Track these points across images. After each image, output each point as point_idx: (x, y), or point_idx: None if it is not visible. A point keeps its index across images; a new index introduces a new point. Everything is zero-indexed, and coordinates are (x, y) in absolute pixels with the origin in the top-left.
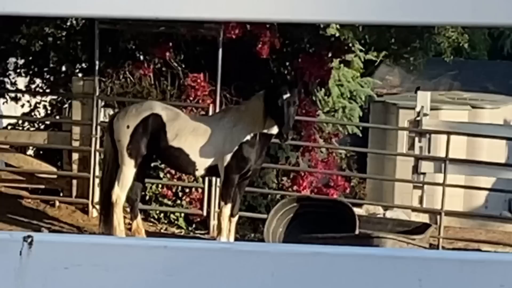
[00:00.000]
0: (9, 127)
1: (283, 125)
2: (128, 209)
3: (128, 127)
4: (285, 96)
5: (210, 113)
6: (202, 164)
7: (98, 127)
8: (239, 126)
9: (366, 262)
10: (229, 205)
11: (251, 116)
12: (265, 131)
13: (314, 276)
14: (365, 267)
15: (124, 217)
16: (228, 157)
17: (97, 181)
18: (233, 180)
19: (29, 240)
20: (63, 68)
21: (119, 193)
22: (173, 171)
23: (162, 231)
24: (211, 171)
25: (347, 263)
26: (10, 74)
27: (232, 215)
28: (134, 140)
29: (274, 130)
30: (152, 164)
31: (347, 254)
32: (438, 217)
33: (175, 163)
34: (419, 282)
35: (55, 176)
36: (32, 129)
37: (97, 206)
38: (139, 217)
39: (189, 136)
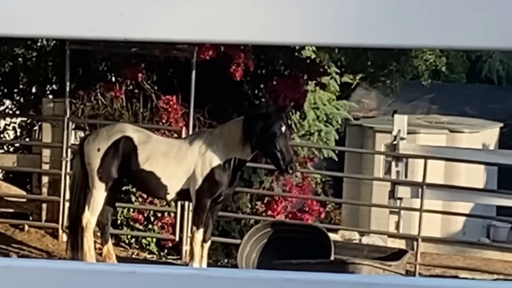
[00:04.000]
0: None
1: (284, 160)
2: (98, 234)
3: (98, 150)
4: (283, 129)
5: (183, 136)
6: (173, 188)
7: (69, 150)
8: (212, 150)
9: None
10: (201, 230)
11: (226, 140)
12: (239, 157)
13: None
14: None
15: (95, 242)
16: (199, 181)
17: (67, 204)
18: (205, 205)
19: None
20: (33, 90)
21: (90, 217)
22: (145, 195)
23: (133, 256)
24: (183, 195)
25: None
26: None
27: (204, 240)
28: (105, 163)
29: (249, 156)
30: (124, 188)
31: (318, 280)
32: (415, 243)
33: (146, 187)
34: None
35: (24, 200)
36: (1, 151)
37: (67, 230)
38: (110, 241)
39: (161, 159)
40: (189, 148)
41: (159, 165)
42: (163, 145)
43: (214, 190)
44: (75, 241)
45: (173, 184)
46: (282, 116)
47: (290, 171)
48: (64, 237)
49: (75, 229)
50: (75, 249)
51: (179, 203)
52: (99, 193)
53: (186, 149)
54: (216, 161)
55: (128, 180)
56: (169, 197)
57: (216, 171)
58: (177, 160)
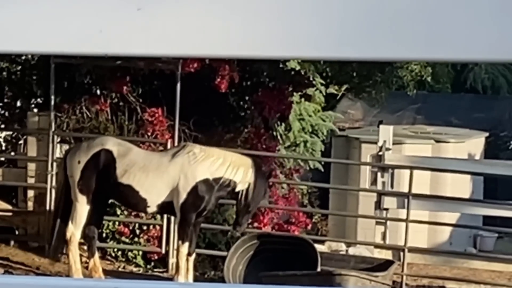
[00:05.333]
0: None
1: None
2: (85, 247)
3: (79, 162)
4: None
5: (169, 147)
6: (154, 201)
7: (54, 164)
8: (197, 165)
9: None
10: (186, 244)
11: (223, 162)
12: (234, 180)
13: None
14: None
15: (81, 255)
16: (183, 195)
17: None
18: (190, 219)
19: None
20: (18, 103)
21: (73, 231)
22: None
23: (120, 269)
24: (166, 208)
25: None
26: None
27: (189, 253)
28: (85, 176)
29: (239, 184)
30: (110, 201)
31: None
32: (402, 253)
33: (125, 200)
34: None
35: (9, 214)
36: None
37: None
38: (97, 255)
39: (138, 172)
40: (171, 161)
41: (136, 178)
42: (142, 158)
43: (198, 204)
44: (55, 251)
45: (154, 197)
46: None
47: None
48: (50, 251)
49: (54, 241)
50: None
51: (165, 216)
52: (81, 206)
53: (168, 161)
54: (201, 175)
55: (108, 193)
56: (149, 210)
57: (201, 185)
58: (157, 173)
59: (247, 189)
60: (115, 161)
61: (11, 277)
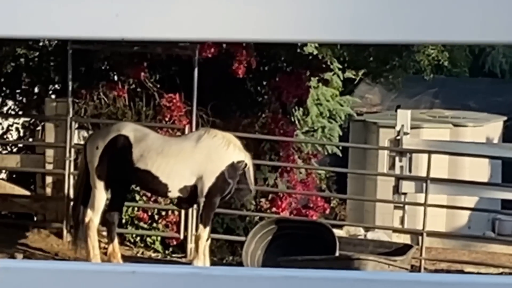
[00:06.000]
0: None
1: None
2: (104, 233)
3: (97, 148)
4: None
5: (186, 133)
6: (175, 185)
7: (72, 150)
8: (224, 150)
9: (340, 286)
10: (208, 229)
11: (238, 146)
12: (249, 164)
13: None
14: None
15: (100, 241)
16: (212, 179)
17: (71, 204)
18: (215, 203)
19: None
20: (36, 90)
21: (92, 216)
22: (149, 194)
23: (138, 255)
24: (188, 193)
25: (320, 286)
26: None
27: (204, 224)
28: (103, 161)
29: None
30: (131, 187)
31: (319, 277)
32: (420, 237)
33: (145, 186)
34: None
35: (28, 200)
36: (4, 152)
37: (71, 229)
38: (116, 241)
39: (157, 157)
40: (196, 146)
41: (155, 164)
42: (160, 143)
43: (225, 188)
44: (78, 239)
45: (175, 183)
46: None
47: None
48: (68, 237)
49: (77, 227)
50: (78, 247)
51: None
52: (99, 191)
53: (191, 147)
54: (228, 160)
55: (127, 178)
56: (171, 195)
57: (228, 169)
58: (179, 159)
59: (248, 171)
60: (131, 146)
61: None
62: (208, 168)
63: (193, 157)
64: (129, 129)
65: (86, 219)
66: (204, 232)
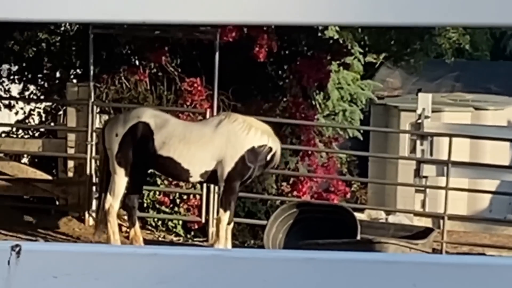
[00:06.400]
0: (3, 135)
1: None
2: (126, 217)
3: (116, 135)
4: None
5: (208, 117)
6: (197, 171)
7: (94, 134)
8: (244, 134)
9: (359, 267)
10: (228, 213)
11: (264, 131)
12: (274, 148)
13: (307, 282)
14: (359, 272)
15: (121, 225)
16: (232, 164)
17: (93, 188)
18: (235, 188)
19: (17, 249)
20: (57, 74)
21: (112, 202)
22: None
23: (160, 239)
24: (209, 177)
25: (340, 268)
26: (3, 81)
27: (228, 222)
28: (123, 149)
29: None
30: (150, 171)
31: (340, 259)
32: (441, 221)
33: (166, 171)
34: (414, 287)
35: (50, 184)
36: (26, 136)
37: (93, 214)
38: (137, 225)
39: (179, 144)
40: (215, 131)
41: (177, 150)
42: (181, 129)
43: (244, 173)
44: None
45: (196, 168)
46: None
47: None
48: (90, 221)
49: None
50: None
51: (204, 185)
52: (119, 178)
53: (211, 132)
54: (248, 144)
55: (148, 165)
56: (192, 180)
57: (248, 154)
58: (200, 144)
59: (274, 155)
60: (153, 133)
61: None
62: (227, 153)
63: (213, 142)
64: (148, 116)
65: (106, 205)
66: (225, 215)
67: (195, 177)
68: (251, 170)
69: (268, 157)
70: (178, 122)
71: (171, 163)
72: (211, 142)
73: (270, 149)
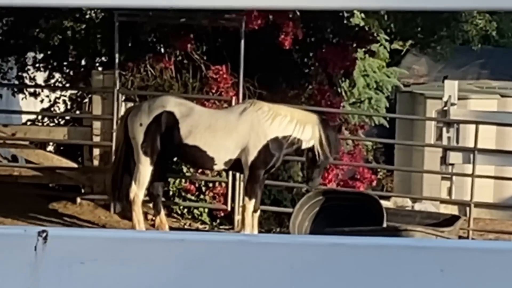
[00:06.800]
0: (29, 123)
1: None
2: (151, 205)
3: (141, 125)
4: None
5: (233, 104)
6: (221, 159)
7: (119, 122)
8: (268, 123)
9: (386, 253)
10: (253, 201)
11: (290, 120)
12: (302, 138)
13: (334, 267)
14: (386, 257)
15: (147, 213)
16: (254, 153)
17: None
18: (259, 176)
19: (44, 235)
20: (83, 62)
21: (137, 191)
22: None
23: (185, 226)
24: (233, 165)
25: (367, 254)
26: (29, 69)
27: (254, 210)
28: (148, 138)
29: (306, 145)
30: (175, 159)
31: (367, 245)
32: (468, 208)
33: (192, 160)
34: (441, 272)
35: (76, 172)
36: (52, 124)
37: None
38: (163, 212)
39: (205, 132)
40: (239, 119)
41: (203, 138)
42: (206, 117)
43: (268, 162)
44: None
45: (221, 156)
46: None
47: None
48: (116, 209)
49: (116, 199)
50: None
51: (230, 172)
52: (145, 167)
53: (236, 120)
54: (271, 134)
55: (173, 154)
56: (217, 168)
57: (271, 143)
58: (225, 132)
59: (315, 146)
60: (178, 122)
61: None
62: (250, 142)
63: (237, 130)
64: (173, 104)
65: (131, 195)
66: (249, 204)
67: (219, 165)
68: (275, 159)
69: (300, 146)
70: (203, 110)
71: (196, 151)
72: (235, 130)
73: (298, 140)
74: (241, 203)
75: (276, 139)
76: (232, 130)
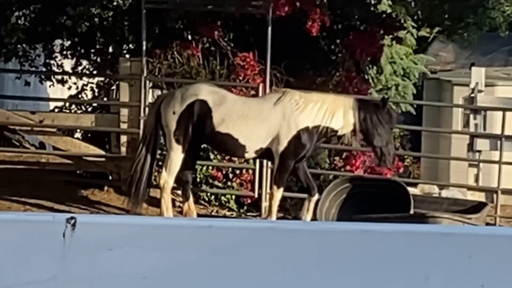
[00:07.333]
0: (56, 110)
1: (381, 155)
2: (179, 192)
3: (174, 113)
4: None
5: (260, 92)
6: (252, 147)
7: (147, 109)
8: (299, 113)
9: (414, 239)
10: (281, 190)
11: (321, 108)
12: (331, 126)
13: (362, 254)
14: (414, 244)
15: (174, 200)
16: (284, 143)
17: None
18: (289, 166)
19: (72, 221)
20: (110, 49)
21: (167, 178)
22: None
23: (213, 213)
24: (264, 154)
25: (395, 240)
26: (56, 56)
27: (310, 195)
28: (181, 126)
29: (342, 131)
30: (203, 146)
31: (395, 231)
32: (495, 195)
33: (224, 148)
34: (469, 258)
35: (103, 159)
36: (79, 111)
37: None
38: (191, 199)
39: (237, 121)
40: (272, 108)
41: (235, 127)
42: (239, 105)
43: (298, 152)
44: (135, 196)
45: (252, 144)
46: (393, 114)
47: (383, 165)
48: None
49: (137, 185)
50: (135, 204)
51: (257, 159)
52: (176, 154)
53: (268, 109)
54: (302, 124)
55: (204, 141)
56: (248, 156)
57: (302, 134)
58: (257, 121)
59: (346, 133)
60: (211, 111)
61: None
62: (282, 131)
63: (269, 119)
64: (205, 93)
65: (162, 182)
66: (277, 192)
67: (250, 153)
68: (306, 149)
69: (335, 133)
70: (236, 98)
71: (229, 139)
72: (267, 119)
73: (329, 128)
74: (268, 190)
75: (307, 129)
76: (265, 119)
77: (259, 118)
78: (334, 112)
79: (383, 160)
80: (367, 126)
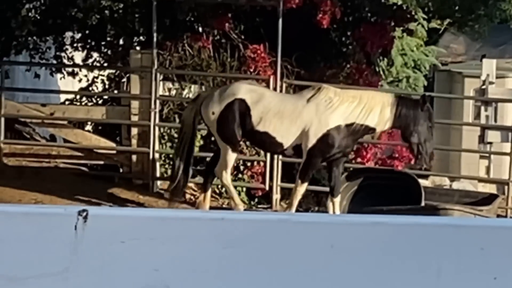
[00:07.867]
0: (67, 102)
1: (419, 154)
2: (192, 184)
3: (213, 113)
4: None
5: (271, 84)
6: (289, 144)
7: (157, 101)
8: (331, 111)
9: (426, 232)
10: (305, 185)
11: (357, 106)
12: (366, 124)
13: (374, 246)
14: (426, 236)
15: (185, 192)
16: (313, 139)
17: (156, 155)
18: (315, 163)
19: (84, 214)
20: (121, 42)
21: (225, 176)
22: None
23: (224, 205)
24: (297, 150)
25: (408, 232)
26: (67, 49)
27: (333, 195)
28: (221, 125)
29: (380, 127)
30: (212, 138)
31: (407, 223)
32: (506, 187)
33: (263, 145)
34: (482, 250)
35: (114, 152)
36: (90, 104)
37: (158, 182)
38: (209, 192)
39: (273, 118)
40: (305, 105)
41: (272, 125)
42: (276, 103)
43: (327, 151)
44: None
45: (289, 141)
46: (431, 111)
47: (419, 165)
48: (154, 188)
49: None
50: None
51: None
52: (225, 152)
53: (302, 106)
54: (333, 123)
55: (245, 138)
56: (286, 152)
57: (332, 132)
58: (292, 118)
59: (377, 130)
60: (250, 109)
61: (120, 210)
62: (311, 129)
63: (302, 116)
64: (244, 92)
65: (224, 181)
66: (301, 187)
67: (288, 150)
68: (335, 149)
69: (372, 130)
70: (273, 95)
71: (267, 137)
72: (300, 115)
73: (364, 126)
74: (279, 182)
75: (338, 128)
76: (298, 115)
77: (293, 115)
78: (372, 108)
79: (419, 158)
80: (404, 122)
